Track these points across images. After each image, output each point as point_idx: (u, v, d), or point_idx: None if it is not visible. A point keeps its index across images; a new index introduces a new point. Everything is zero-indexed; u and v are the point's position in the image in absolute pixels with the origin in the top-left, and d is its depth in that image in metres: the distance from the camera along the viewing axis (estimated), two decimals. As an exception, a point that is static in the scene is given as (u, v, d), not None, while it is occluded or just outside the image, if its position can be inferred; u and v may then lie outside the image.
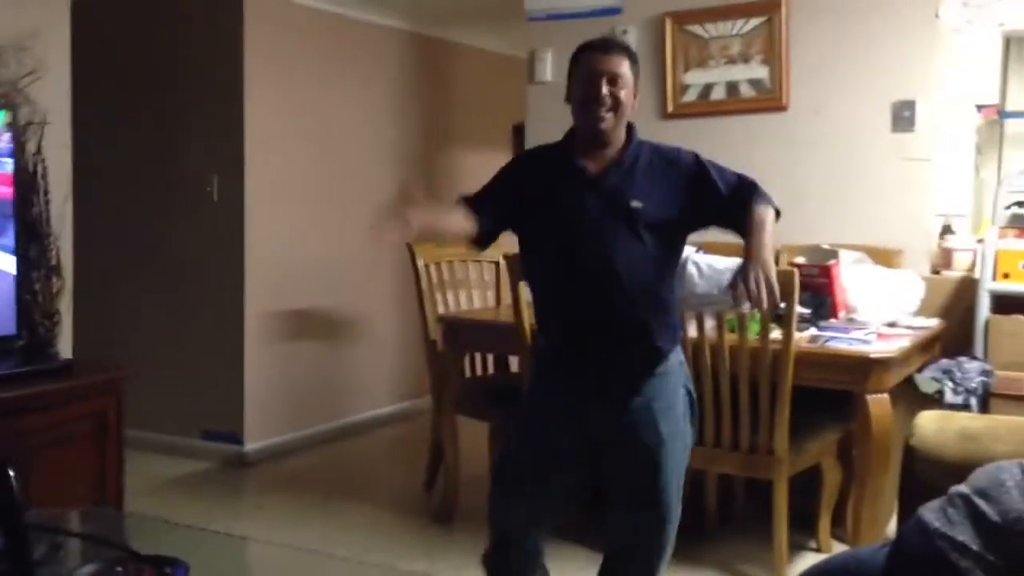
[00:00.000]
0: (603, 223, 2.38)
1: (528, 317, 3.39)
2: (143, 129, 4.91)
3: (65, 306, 3.27)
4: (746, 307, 2.70)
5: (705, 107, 4.50)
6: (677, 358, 2.46)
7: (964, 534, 1.49)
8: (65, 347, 3.29)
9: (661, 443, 2.39)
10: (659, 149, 2.51)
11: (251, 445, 4.77)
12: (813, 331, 3.31)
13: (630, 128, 2.48)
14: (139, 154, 4.92)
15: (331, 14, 5.13)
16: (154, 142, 4.89)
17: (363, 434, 5.35)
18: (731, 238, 4.30)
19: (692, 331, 3.18)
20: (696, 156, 2.53)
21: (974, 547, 1.46)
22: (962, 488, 1.58)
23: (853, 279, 3.56)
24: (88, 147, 3.73)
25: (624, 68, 2.41)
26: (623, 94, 2.39)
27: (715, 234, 4.26)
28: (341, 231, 5.26)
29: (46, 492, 2.56)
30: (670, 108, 4.54)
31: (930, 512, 1.57)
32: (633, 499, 2.46)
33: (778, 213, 2.47)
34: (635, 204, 2.37)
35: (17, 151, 3.00)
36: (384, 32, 5.53)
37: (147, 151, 4.91)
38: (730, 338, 3.13)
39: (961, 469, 1.85)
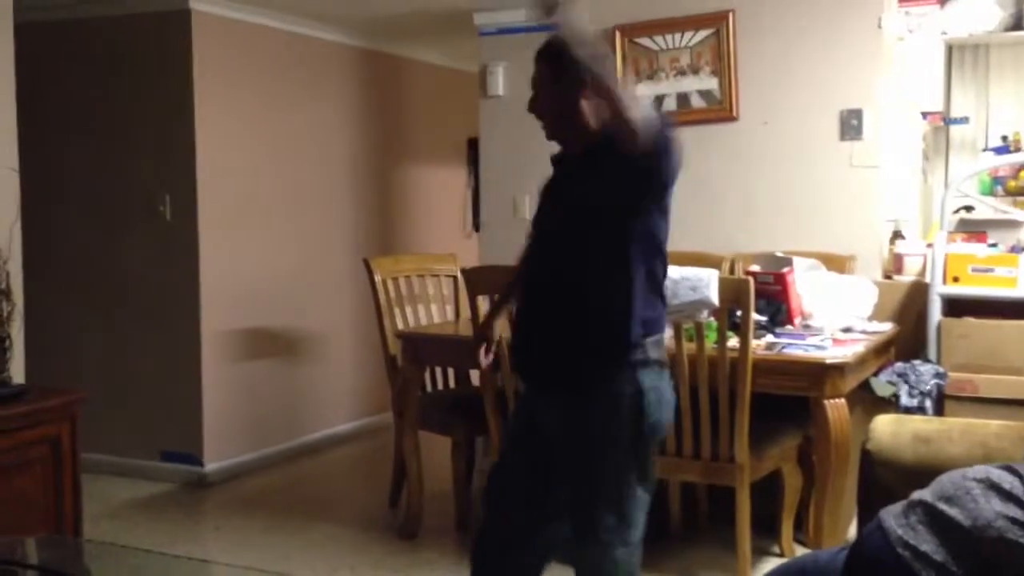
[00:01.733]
0: (548, 224, 2.42)
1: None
2: (92, 149, 4.85)
3: (16, 330, 3.21)
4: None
5: (657, 118, 4.54)
6: (633, 360, 2.31)
7: (927, 543, 1.51)
8: (17, 372, 3.23)
9: (589, 449, 2.34)
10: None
11: (211, 466, 4.71)
12: (770, 338, 3.35)
13: (577, 132, 2.38)
14: (89, 174, 4.86)
15: (280, 31, 5.11)
16: (104, 162, 4.83)
17: (325, 452, 5.32)
18: (687, 247, 4.36)
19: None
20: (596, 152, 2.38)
21: (937, 557, 1.48)
22: (925, 495, 1.60)
23: (807, 286, 3.61)
24: (36, 168, 3.68)
25: (542, 73, 2.41)
26: (541, 100, 2.41)
27: (671, 244, 4.30)
28: (297, 248, 5.24)
29: (0, 521, 2.51)
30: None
31: (891, 518, 1.59)
32: (568, 507, 2.42)
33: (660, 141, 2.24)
34: (574, 200, 2.35)
35: (-36, 175, 2.95)
36: (335, 48, 5.51)
37: (97, 171, 4.84)
38: (688, 347, 3.15)
39: (917, 472, 1.88)
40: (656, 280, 2.39)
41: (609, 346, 2.34)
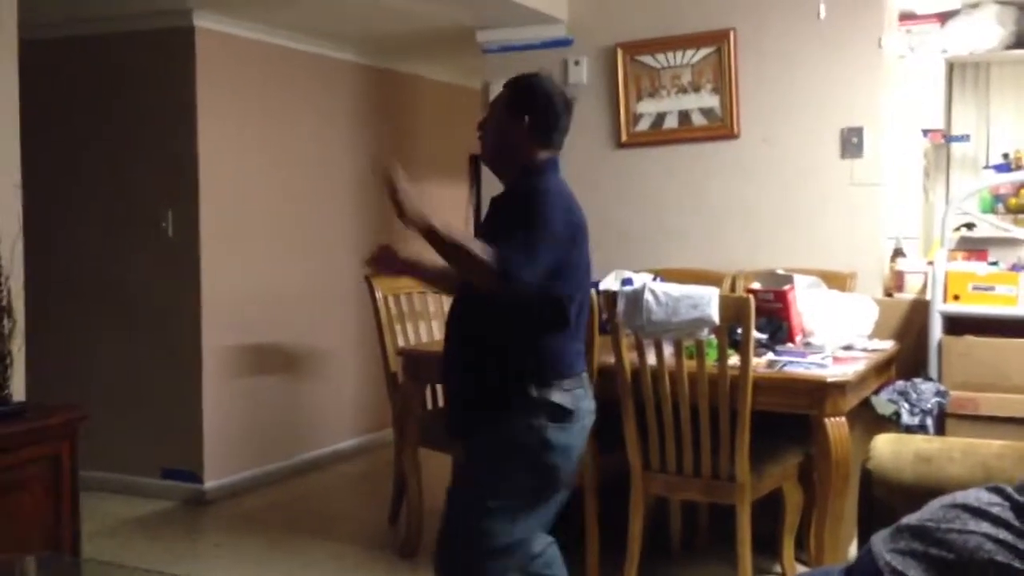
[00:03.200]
0: None
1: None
2: (96, 165, 4.87)
3: (17, 347, 3.21)
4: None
5: (658, 136, 4.55)
6: (517, 408, 2.41)
7: (914, 568, 1.50)
8: (18, 389, 3.23)
9: (458, 481, 2.55)
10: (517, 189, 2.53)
11: (211, 483, 4.70)
12: (770, 356, 3.35)
13: (526, 167, 2.51)
14: (92, 190, 4.87)
15: (283, 48, 5.13)
16: (108, 178, 4.84)
17: (325, 469, 5.30)
18: (689, 264, 4.36)
19: (651, 358, 3.20)
20: (527, 196, 2.45)
21: None
22: (914, 520, 1.59)
23: (808, 304, 3.61)
24: (40, 185, 3.69)
25: (501, 96, 2.58)
26: (486, 127, 2.59)
27: (672, 261, 4.32)
28: (299, 264, 5.24)
29: (-1, 539, 2.51)
30: (624, 138, 4.59)
31: (880, 542, 1.59)
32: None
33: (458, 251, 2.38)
34: None
35: (-34, 192, 2.96)
36: (338, 65, 5.53)
37: (100, 187, 4.86)
38: (688, 365, 3.15)
39: (917, 491, 1.88)
40: (559, 325, 2.45)
41: (493, 391, 2.46)
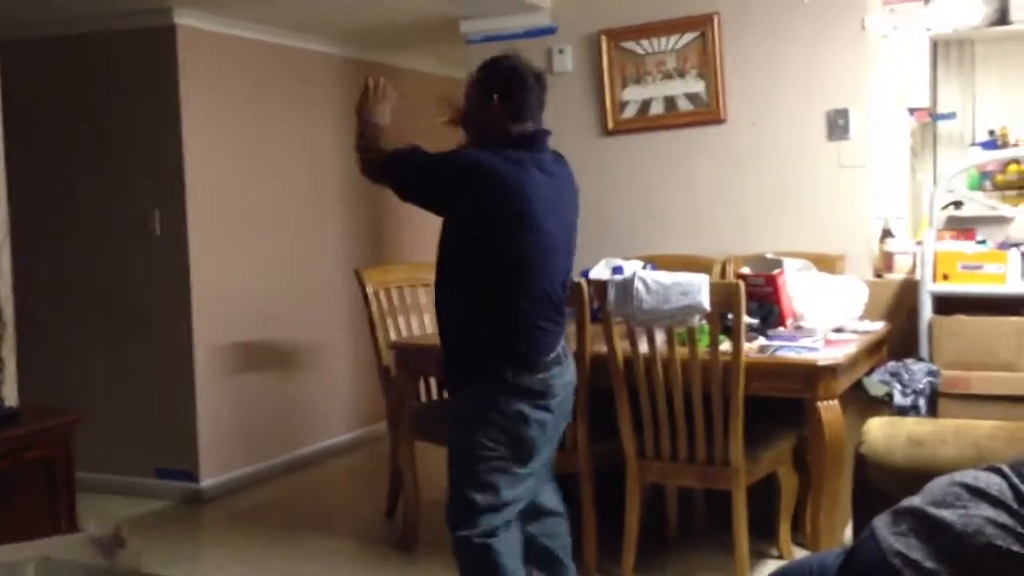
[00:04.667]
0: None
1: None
2: (81, 165, 4.84)
3: (8, 352, 3.21)
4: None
5: (644, 122, 4.55)
6: (495, 387, 2.56)
7: (917, 550, 1.51)
8: (10, 394, 3.23)
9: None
10: None
11: (207, 481, 4.70)
12: (762, 341, 3.35)
13: (493, 143, 2.61)
14: (78, 191, 4.85)
15: (267, 43, 5.10)
16: (93, 178, 4.81)
17: (321, 464, 5.31)
18: (678, 250, 4.36)
19: (643, 346, 3.21)
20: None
21: (927, 564, 1.48)
22: (915, 502, 1.60)
23: (799, 287, 3.61)
24: (23, 186, 3.67)
25: (469, 79, 2.74)
26: (464, 113, 2.74)
27: (661, 247, 4.31)
28: (289, 259, 5.23)
29: (-4, 545, 2.50)
30: (610, 125, 4.58)
31: (883, 527, 1.59)
32: None
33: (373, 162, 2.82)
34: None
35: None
36: (323, 59, 5.51)
37: (86, 187, 4.83)
38: (680, 352, 3.16)
39: (911, 475, 1.89)
40: (519, 307, 2.57)
41: (460, 364, 2.68)
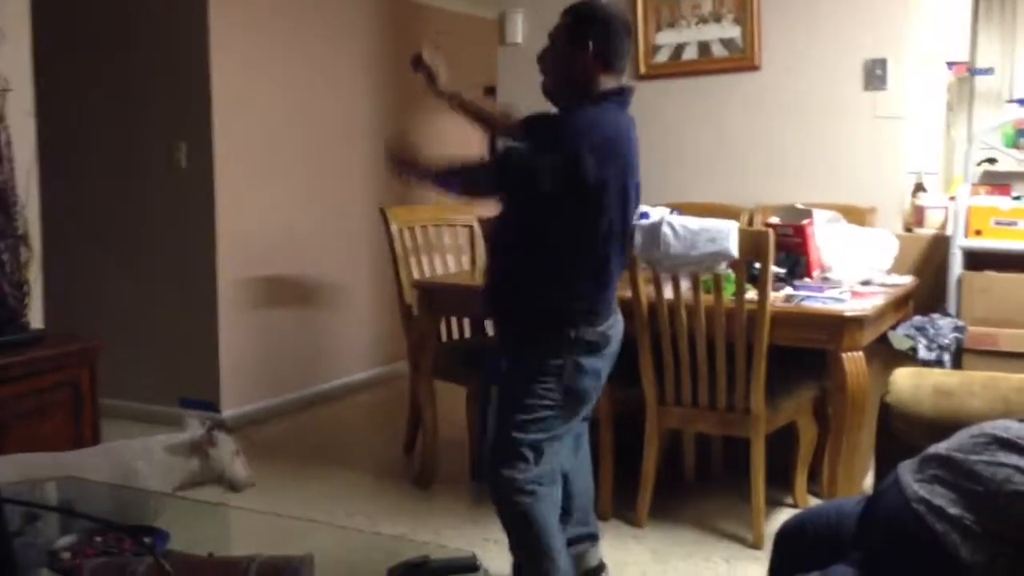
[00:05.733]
0: None
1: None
2: (107, 97, 4.83)
3: (34, 276, 3.23)
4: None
5: (677, 68, 4.48)
6: (554, 343, 2.49)
7: (941, 497, 1.50)
8: (36, 318, 3.25)
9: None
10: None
11: (228, 412, 4.75)
12: (788, 291, 3.33)
13: (573, 94, 2.52)
14: (104, 122, 4.84)
15: (298, -24, 5.05)
16: (119, 109, 4.81)
17: (340, 400, 5.35)
18: (707, 199, 4.32)
19: (668, 292, 3.19)
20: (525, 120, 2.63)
21: (951, 511, 1.47)
22: (941, 449, 1.59)
23: (827, 238, 3.57)
24: (50, 116, 3.66)
25: (556, 28, 2.57)
26: (552, 54, 2.58)
27: (690, 195, 4.27)
28: (314, 195, 5.22)
29: (22, 464, 2.53)
30: (642, 69, 4.52)
31: (908, 473, 1.58)
32: None
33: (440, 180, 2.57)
34: None
35: (-20, 119, 2.95)
36: (353, -6, 5.45)
37: (112, 119, 4.82)
38: (706, 299, 3.14)
39: (937, 425, 1.87)
40: (595, 267, 2.50)
41: (516, 313, 2.59)
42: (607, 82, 2.51)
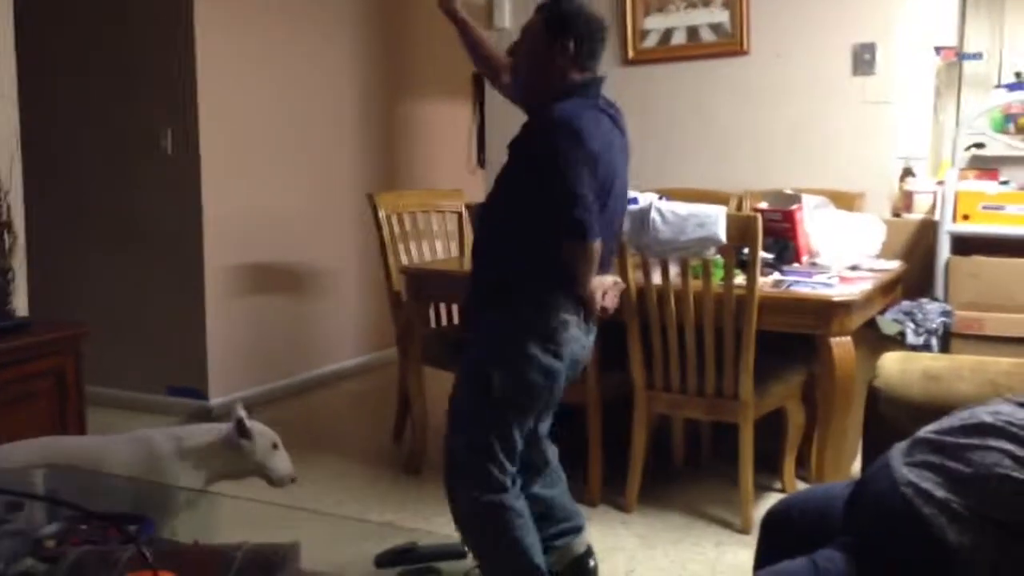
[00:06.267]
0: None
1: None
2: (92, 82, 4.79)
3: (18, 262, 3.21)
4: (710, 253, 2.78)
5: (666, 53, 4.47)
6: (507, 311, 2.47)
7: (929, 481, 1.49)
8: (20, 304, 3.23)
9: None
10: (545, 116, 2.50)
11: (216, 400, 4.74)
12: (776, 276, 3.33)
13: (543, 92, 2.50)
14: (90, 106, 4.80)
15: (284, -40, 5.01)
16: (105, 94, 4.77)
17: (329, 387, 5.34)
18: (695, 184, 4.32)
19: (657, 278, 3.18)
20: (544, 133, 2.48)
21: (939, 494, 1.47)
22: (932, 433, 1.59)
23: (816, 224, 3.57)
24: (34, 100, 3.63)
25: (530, 23, 2.56)
26: (520, 54, 2.58)
27: (678, 180, 4.27)
28: (301, 182, 5.20)
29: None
30: (631, 54, 4.50)
31: (898, 456, 1.58)
32: None
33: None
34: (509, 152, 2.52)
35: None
36: (340, -22, 5.41)
37: (98, 103, 4.79)
38: (694, 284, 3.13)
39: (925, 409, 1.87)
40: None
41: (492, 295, 2.52)
42: (578, 78, 2.51)
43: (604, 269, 2.56)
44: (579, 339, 2.51)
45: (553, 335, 2.44)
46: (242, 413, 2.48)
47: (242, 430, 2.45)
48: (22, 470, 2.23)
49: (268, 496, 3.45)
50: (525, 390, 2.46)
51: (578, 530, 2.84)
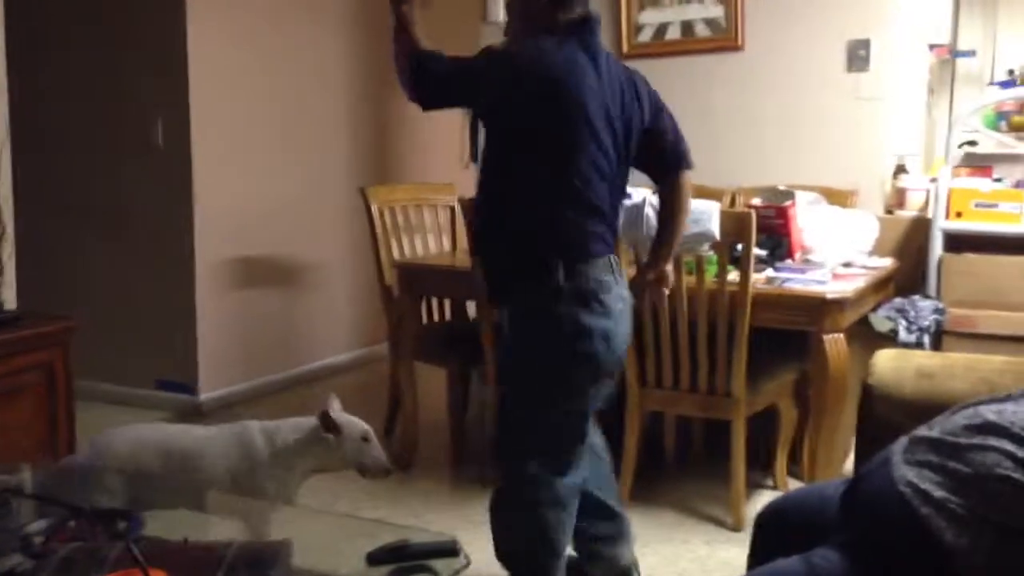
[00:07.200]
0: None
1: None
2: (84, 72, 4.75)
3: (7, 255, 3.18)
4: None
5: (660, 47, 4.46)
6: (541, 280, 2.32)
7: (928, 480, 1.48)
8: (9, 297, 3.20)
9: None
10: None
11: (206, 395, 4.71)
12: (770, 272, 3.32)
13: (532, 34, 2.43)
14: (80, 98, 4.77)
15: (277, -49, 4.98)
16: (95, 85, 4.73)
17: (320, 382, 5.31)
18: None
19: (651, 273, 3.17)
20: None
21: (937, 494, 1.46)
22: (934, 432, 1.57)
23: (809, 220, 3.57)
24: (23, 90, 3.60)
25: None
26: (509, 5, 2.55)
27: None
28: (293, 175, 5.17)
29: (-6, 447, 2.50)
30: (625, 48, 4.49)
31: (898, 454, 1.57)
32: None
33: None
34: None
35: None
36: (332, -29, 5.38)
37: (88, 95, 4.75)
38: (687, 280, 3.12)
39: (918, 407, 1.87)
40: (574, 194, 2.32)
41: (508, 259, 2.41)
42: (565, 17, 2.39)
43: (605, 229, 2.40)
44: None
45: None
46: (332, 406, 2.42)
47: (328, 425, 2.39)
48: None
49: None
50: None
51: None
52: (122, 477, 2.26)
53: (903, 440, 1.60)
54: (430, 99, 2.42)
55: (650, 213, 3.07)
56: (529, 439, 2.42)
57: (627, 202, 3.15)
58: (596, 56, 2.39)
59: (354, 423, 2.43)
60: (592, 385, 2.39)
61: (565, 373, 2.36)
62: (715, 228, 2.99)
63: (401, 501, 3.56)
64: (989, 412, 1.53)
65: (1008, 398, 1.57)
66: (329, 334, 5.48)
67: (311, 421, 2.43)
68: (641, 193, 3.60)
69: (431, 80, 2.37)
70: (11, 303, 3.19)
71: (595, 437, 2.65)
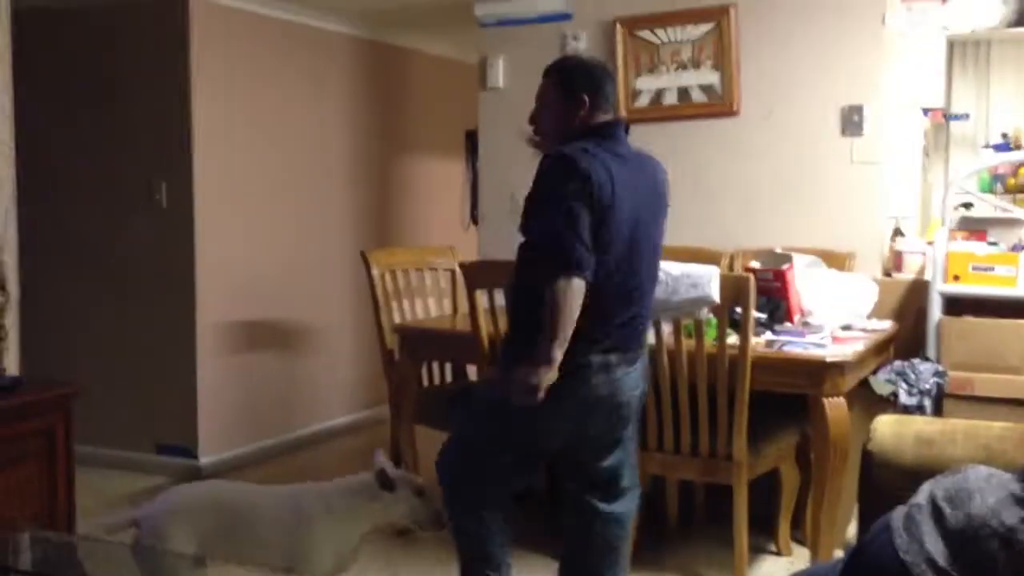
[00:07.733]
0: None
1: (485, 325, 3.37)
2: (89, 135, 4.82)
3: (11, 321, 3.19)
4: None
5: (657, 112, 4.51)
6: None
7: (931, 547, 1.48)
8: (11, 363, 3.21)
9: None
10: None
11: (206, 459, 4.70)
12: (769, 336, 3.33)
13: (573, 133, 2.54)
14: (86, 160, 4.83)
15: (279, 20, 5.08)
16: (101, 148, 4.80)
17: (321, 445, 5.30)
18: (685, 242, 4.33)
19: (650, 338, 3.18)
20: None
21: (941, 562, 1.45)
22: (925, 497, 1.57)
23: (807, 283, 3.59)
24: (30, 154, 3.64)
25: (543, 88, 2.63)
26: (545, 115, 2.63)
27: (670, 238, 4.28)
28: (295, 238, 5.21)
29: (-6, 515, 2.49)
30: (623, 113, 4.54)
31: (898, 520, 1.57)
32: None
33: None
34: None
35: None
36: (335, 38, 5.48)
37: (94, 157, 4.82)
38: (687, 344, 3.13)
39: (918, 473, 1.86)
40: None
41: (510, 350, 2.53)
42: (597, 120, 2.57)
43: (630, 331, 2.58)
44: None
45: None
46: (383, 463, 2.44)
47: (384, 482, 2.39)
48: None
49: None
50: None
51: None
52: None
53: (905, 506, 1.60)
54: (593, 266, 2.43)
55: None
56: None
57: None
58: (618, 150, 2.53)
59: (409, 478, 2.47)
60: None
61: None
62: (714, 292, 3.01)
63: (403, 566, 3.53)
64: (981, 470, 1.53)
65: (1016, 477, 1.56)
66: (330, 397, 5.48)
67: (365, 478, 2.43)
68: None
69: (580, 260, 2.38)
70: (14, 369, 3.20)
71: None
